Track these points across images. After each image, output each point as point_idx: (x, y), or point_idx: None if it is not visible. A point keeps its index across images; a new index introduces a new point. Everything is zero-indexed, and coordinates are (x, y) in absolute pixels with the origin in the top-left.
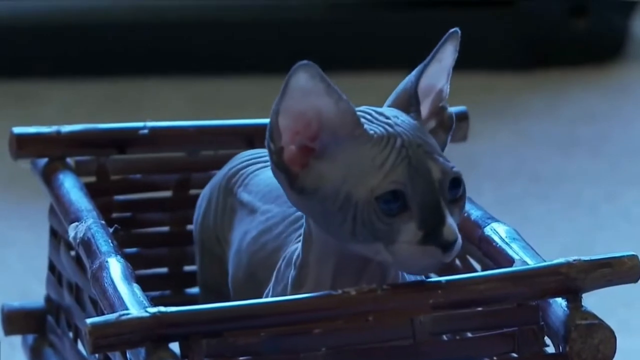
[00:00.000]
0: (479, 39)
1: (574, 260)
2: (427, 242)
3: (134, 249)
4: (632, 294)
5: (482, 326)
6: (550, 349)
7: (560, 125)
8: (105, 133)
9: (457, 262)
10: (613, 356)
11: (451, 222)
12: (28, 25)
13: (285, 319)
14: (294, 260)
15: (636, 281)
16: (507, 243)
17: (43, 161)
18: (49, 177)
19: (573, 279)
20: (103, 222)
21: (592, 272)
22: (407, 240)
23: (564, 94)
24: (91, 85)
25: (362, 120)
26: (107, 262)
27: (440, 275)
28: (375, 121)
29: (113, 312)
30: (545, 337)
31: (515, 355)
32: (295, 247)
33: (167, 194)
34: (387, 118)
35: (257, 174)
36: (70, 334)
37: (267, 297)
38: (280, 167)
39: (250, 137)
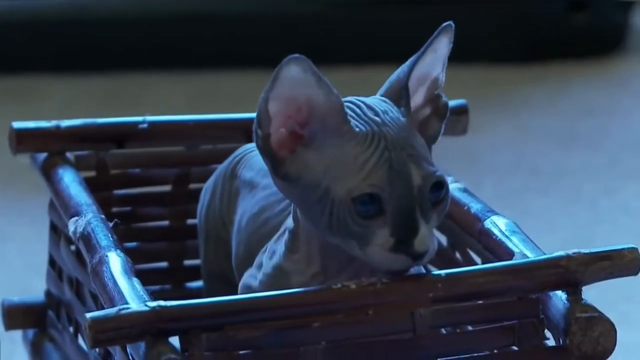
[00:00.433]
0: (479, 32)
1: (574, 253)
2: (398, 250)
3: (133, 243)
4: (632, 287)
5: (482, 319)
6: (551, 342)
7: (560, 119)
8: (105, 128)
9: (457, 255)
10: (613, 349)
11: (424, 232)
12: (28, 21)
13: (285, 312)
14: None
15: (636, 274)
16: (507, 236)
17: (42, 156)
18: (48, 172)
19: (573, 272)
20: (103, 216)
21: (592, 265)
22: (379, 244)
23: (564, 88)
24: (91, 81)
25: (350, 114)
26: (107, 256)
27: (440, 268)
28: (363, 117)
29: (113, 306)
30: (546, 330)
31: (515, 348)
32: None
33: (167, 188)
34: (376, 114)
35: (258, 153)
36: (71, 329)
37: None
38: (265, 152)
39: (250, 132)
